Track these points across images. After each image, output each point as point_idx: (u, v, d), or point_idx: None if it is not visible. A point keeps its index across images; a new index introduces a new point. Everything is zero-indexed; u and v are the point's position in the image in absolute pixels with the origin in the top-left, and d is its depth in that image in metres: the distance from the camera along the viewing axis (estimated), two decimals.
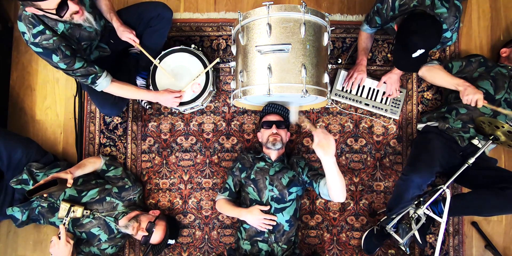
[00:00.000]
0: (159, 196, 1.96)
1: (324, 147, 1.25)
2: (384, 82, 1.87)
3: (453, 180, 1.59)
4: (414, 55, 1.48)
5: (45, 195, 1.67)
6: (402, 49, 1.51)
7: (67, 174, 1.53)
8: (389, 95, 1.89)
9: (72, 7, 1.32)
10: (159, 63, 1.79)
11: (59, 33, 1.43)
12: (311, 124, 1.36)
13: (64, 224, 1.55)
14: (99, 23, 1.59)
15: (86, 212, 1.66)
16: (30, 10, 1.31)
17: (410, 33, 1.43)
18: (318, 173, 1.62)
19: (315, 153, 1.29)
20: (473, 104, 1.60)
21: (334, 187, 1.40)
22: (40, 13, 1.31)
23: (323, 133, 1.26)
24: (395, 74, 1.84)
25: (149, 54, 1.72)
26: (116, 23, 1.61)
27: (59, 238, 1.50)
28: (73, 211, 1.61)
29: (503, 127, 1.51)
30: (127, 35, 1.63)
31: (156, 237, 1.67)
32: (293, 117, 1.35)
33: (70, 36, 1.48)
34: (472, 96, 1.59)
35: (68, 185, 1.52)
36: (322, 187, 1.52)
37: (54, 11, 1.29)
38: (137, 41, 1.66)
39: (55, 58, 1.43)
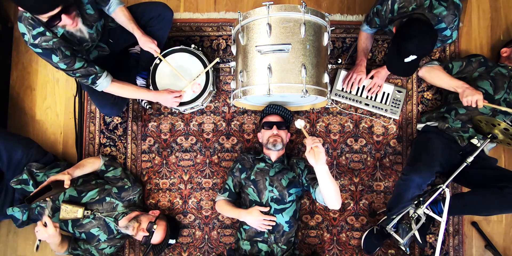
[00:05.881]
0: (159, 196, 1.96)
1: (314, 156, 1.29)
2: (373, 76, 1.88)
3: (452, 179, 1.59)
4: (407, 60, 1.49)
5: (47, 199, 1.66)
6: (395, 53, 1.52)
7: (65, 175, 1.53)
8: (371, 88, 1.88)
9: (66, 21, 1.33)
10: (164, 58, 1.78)
11: (59, 35, 1.43)
12: (305, 131, 1.38)
13: (49, 216, 1.55)
14: (99, 23, 1.59)
15: (87, 213, 1.66)
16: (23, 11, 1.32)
17: (406, 39, 1.44)
18: (316, 177, 1.62)
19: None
20: (473, 105, 1.60)
21: (327, 195, 1.42)
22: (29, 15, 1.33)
23: (313, 141, 1.30)
24: (385, 70, 1.84)
25: (149, 54, 1.72)
26: (138, 34, 1.62)
27: (45, 225, 1.50)
28: (66, 210, 1.63)
29: (500, 124, 1.51)
30: (149, 45, 1.65)
31: (157, 237, 1.67)
32: (298, 122, 1.39)
33: (70, 38, 1.48)
34: (471, 98, 1.59)
35: (66, 186, 1.51)
36: (318, 193, 1.52)
37: (45, 20, 1.29)
38: (159, 51, 1.68)
39: (55, 58, 1.43)
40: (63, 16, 1.30)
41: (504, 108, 1.58)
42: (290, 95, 1.50)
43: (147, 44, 1.64)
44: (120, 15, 1.59)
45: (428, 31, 1.44)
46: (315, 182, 1.55)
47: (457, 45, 1.99)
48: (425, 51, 1.50)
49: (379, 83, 1.87)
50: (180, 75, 1.77)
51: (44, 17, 1.27)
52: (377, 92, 1.90)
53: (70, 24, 1.35)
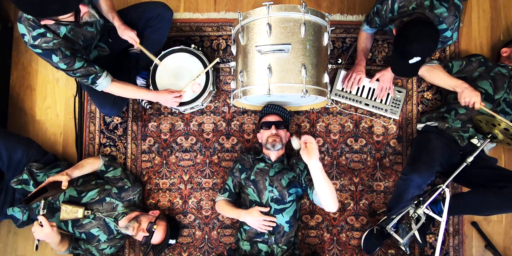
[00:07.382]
0: (159, 196, 1.96)
1: (307, 151, 1.32)
2: (377, 79, 1.87)
3: (452, 179, 1.59)
4: (411, 61, 1.49)
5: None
6: (399, 56, 1.52)
7: (63, 177, 1.53)
8: (380, 91, 1.88)
9: (83, 9, 1.34)
10: (158, 58, 1.78)
11: (61, 35, 1.43)
12: (297, 140, 1.43)
13: (42, 214, 1.53)
14: (98, 22, 1.59)
15: (87, 213, 1.66)
16: (45, 22, 1.32)
17: (408, 42, 1.44)
18: None
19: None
20: (470, 106, 1.61)
21: (322, 194, 1.42)
22: (52, 22, 1.32)
23: (304, 138, 1.34)
24: (390, 72, 1.83)
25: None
26: (117, 22, 1.61)
27: (41, 225, 1.49)
28: (67, 211, 1.62)
29: (500, 124, 1.51)
30: (128, 34, 1.62)
31: (157, 237, 1.67)
32: (295, 144, 1.43)
33: (73, 37, 1.49)
34: (469, 99, 1.60)
35: (63, 188, 1.51)
36: (315, 194, 1.52)
37: (72, 19, 1.31)
38: (138, 40, 1.65)
39: (55, 59, 1.44)
40: (81, 7, 1.31)
41: (498, 118, 1.56)
42: (290, 95, 1.50)
43: (126, 32, 1.61)
44: (102, 4, 1.58)
45: (429, 32, 1.44)
46: (313, 183, 1.56)
47: (457, 45, 1.99)
48: (429, 51, 1.51)
49: (386, 86, 1.86)
50: (170, 74, 1.76)
51: (68, 16, 1.28)
52: (388, 94, 1.89)
53: (86, 11, 1.36)
